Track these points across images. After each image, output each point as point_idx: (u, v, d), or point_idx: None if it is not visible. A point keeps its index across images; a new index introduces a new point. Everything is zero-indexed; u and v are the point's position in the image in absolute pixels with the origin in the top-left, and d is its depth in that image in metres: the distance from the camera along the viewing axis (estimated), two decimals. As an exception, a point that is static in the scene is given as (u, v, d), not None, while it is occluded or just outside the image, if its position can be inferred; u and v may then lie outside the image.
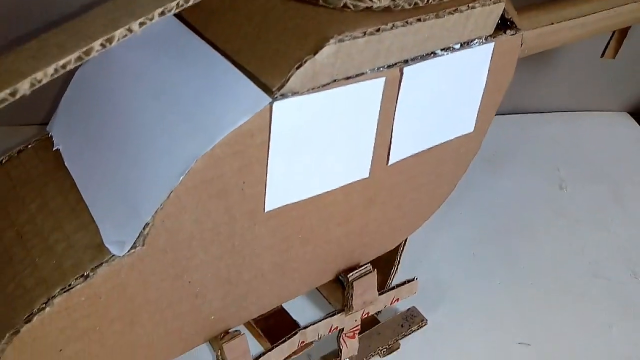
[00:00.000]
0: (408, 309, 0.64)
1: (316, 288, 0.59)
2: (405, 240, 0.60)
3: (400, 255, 0.61)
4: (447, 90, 0.50)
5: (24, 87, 0.27)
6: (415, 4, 0.44)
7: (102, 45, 0.29)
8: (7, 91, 0.26)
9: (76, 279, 0.39)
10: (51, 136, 0.48)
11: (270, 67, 0.41)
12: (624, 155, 0.89)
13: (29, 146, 0.48)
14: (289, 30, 0.42)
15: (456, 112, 0.52)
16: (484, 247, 0.73)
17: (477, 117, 0.54)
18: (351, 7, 0.43)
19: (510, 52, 0.52)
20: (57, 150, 0.47)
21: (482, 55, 0.50)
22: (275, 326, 0.57)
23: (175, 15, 0.47)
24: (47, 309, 0.38)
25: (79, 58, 0.30)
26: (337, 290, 0.65)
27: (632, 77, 0.95)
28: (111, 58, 0.47)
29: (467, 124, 0.54)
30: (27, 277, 0.40)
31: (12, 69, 0.27)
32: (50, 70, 0.27)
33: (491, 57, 0.51)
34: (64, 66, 0.28)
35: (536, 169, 0.84)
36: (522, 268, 0.71)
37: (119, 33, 0.30)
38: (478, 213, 0.77)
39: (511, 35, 0.51)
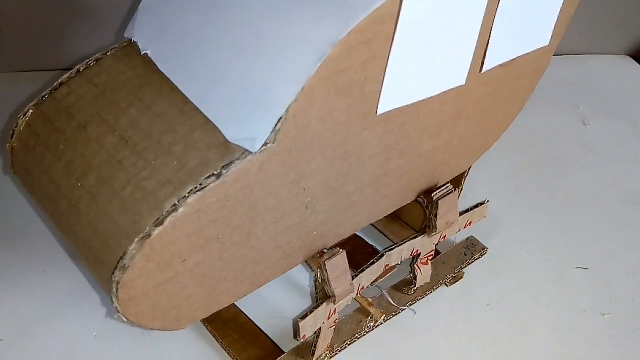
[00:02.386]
0: (467, 238, 0.63)
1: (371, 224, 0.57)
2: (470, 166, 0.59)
3: (464, 179, 0.59)
4: (536, -3, 0.49)
5: None
6: None
7: None
8: None
9: (207, 177, 0.36)
10: (134, 42, 0.44)
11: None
12: (634, 93, 0.90)
13: (108, 53, 0.44)
14: None
15: (538, 22, 0.51)
16: (523, 180, 0.73)
17: (553, 31, 0.53)
18: None
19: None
20: (145, 54, 0.43)
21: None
22: (354, 252, 0.54)
23: None
24: (180, 209, 0.35)
25: None
26: (392, 223, 0.63)
27: (633, 21, 0.96)
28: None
29: (544, 37, 0.53)
30: (146, 179, 0.37)
31: None
32: None
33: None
34: None
35: (557, 106, 0.85)
36: (563, 199, 0.71)
37: None
38: (511, 148, 0.77)
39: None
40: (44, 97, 0.43)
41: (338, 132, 0.41)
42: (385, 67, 0.40)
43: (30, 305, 0.57)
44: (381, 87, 0.41)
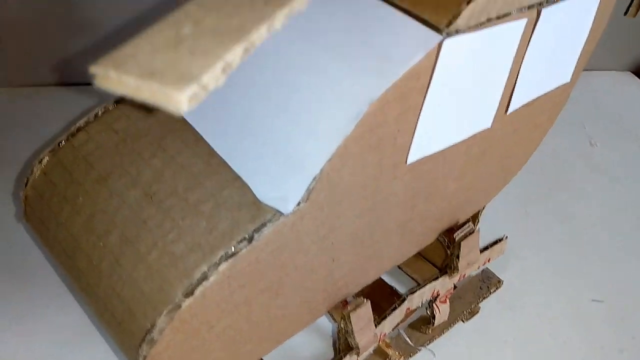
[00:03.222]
0: (482, 271, 0.62)
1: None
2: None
3: (480, 215, 0.58)
4: (563, 36, 0.48)
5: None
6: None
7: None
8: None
9: (239, 242, 0.34)
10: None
11: (432, 5, 0.37)
12: (638, 111, 0.89)
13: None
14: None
15: (562, 60, 0.50)
16: (534, 205, 0.72)
17: (575, 66, 0.52)
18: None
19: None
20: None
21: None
22: (372, 293, 0.53)
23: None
24: (212, 277, 0.33)
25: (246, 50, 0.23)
26: (417, 261, 0.61)
27: (635, 37, 0.96)
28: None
29: (567, 74, 0.52)
30: (174, 242, 0.35)
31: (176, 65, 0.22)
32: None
33: (599, 3, 0.49)
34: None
35: (564, 126, 0.83)
36: (575, 224, 0.70)
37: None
38: (520, 172, 0.75)
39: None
40: (61, 143, 0.41)
41: (368, 185, 0.39)
42: (418, 119, 0.39)
43: (35, 345, 0.55)
44: (412, 138, 0.40)
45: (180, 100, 0.18)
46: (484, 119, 0.45)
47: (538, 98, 0.51)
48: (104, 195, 0.38)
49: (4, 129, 0.74)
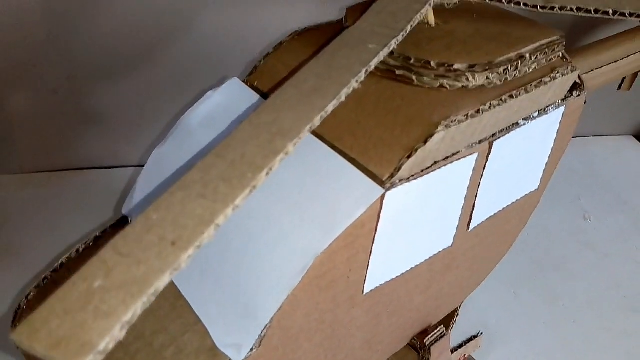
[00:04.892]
0: (466, 358, 0.64)
1: None
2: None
3: (460, 306, 0.61)
4: (522, 154, 0.50)
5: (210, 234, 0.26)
6: (506, 79, 0.44)
7: (267, 174, 0.28)
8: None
9: (196, 389, 0.37)
10: (130, 221, 0.46)
11: (377, 156, 0.40)
12: (636, 180, 0.91)
13: (106, 231, 0.46)
14: (390, 113, 0.42)
15: (526, 172, 0.53)
16: (523, 286, 0.74)
17: (542, 175, 0.55)
18: (447, 87, 0.43)
19: (576, 111, 0.53)
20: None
21: (554, 118, 0.50)
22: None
23: (263, 96, 0.46)
24: (171, 423, 0.37)
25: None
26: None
27: (636, 101, 0.97)
28: (193, 141, 0.45)
29: (534, 182, 0.54)
30: (139, 387, 0.38)
31: (188, 212, 0.26)
32: (229, 211, 0.26)
33: (561, 119, 0.51)
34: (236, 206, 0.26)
35: (558, 199, 0.86)
36: (562, 306, 0.72)
37: (279, 159, 0.28)
38: (512, 249, 0.77)
39: (577, 96, 0.51)
40: (46, 279, 0.45)
41: (325, 318, 0.42)
42: (370, 257, 0.42)
43: None
44: (366, 273, 0.43)
45: None
46: (443, 240, 0.48)
47: (505, 207, 0.53)
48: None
49: (14, 213, 0.79)
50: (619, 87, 0.79)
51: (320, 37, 0.48)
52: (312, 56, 0.45)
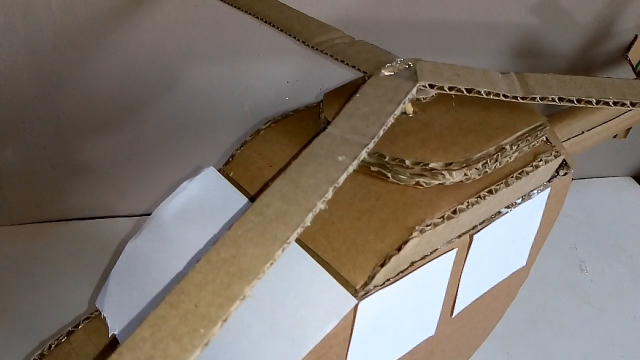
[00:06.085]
0: None
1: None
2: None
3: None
4: (507, 238, 0.49)
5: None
6: (485, 172, 0.43)
7: (221, 326, 0.27)
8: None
9: None
10: (104, 317, 0.45)
11: (351, 262, 0.39)
12: (634, 224, 0.89)
13: (79, 327, 0.45)
14: (364, 215, 0.41)
15: (512, 251, 0.51)
16: (516, 345, 0.73)
17: (529, 251, 0.53)
18: (423, 184, 0.41)
19: (563, 189, 0.52)
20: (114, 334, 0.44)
21: (539, 201, 0.49)
22: None
23: (238, 188, 0.45)
24: None
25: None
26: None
27: (634, 142, 0.95)
28: (167, 234, 0.44)
29: (521, 260, 0.53)
30: None
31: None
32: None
33: (547, 200, 0.50)
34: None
35: (554, 249, 0.84)
36: (556, 366, 0.71)
37: (235, 306, 0.28)
38: (505, 306, 0.76)
39: (564, 174, 0.50)
40: None
41: None
42: (346, 358, 0.41)
43: None
44: (343, 373, 0.42)
45: None
46: (425, 331, 0.47)
47: (490, 289, 0.52)
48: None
49: (4, 268, 0.79)
50: (615, 135, 0.77)
51: (297, 126, 0.47)
52: (287, 147, 0.45)
